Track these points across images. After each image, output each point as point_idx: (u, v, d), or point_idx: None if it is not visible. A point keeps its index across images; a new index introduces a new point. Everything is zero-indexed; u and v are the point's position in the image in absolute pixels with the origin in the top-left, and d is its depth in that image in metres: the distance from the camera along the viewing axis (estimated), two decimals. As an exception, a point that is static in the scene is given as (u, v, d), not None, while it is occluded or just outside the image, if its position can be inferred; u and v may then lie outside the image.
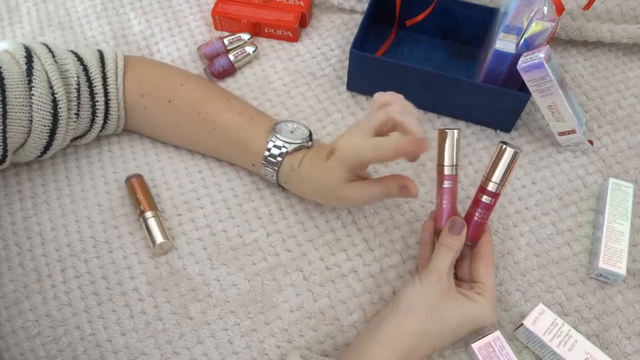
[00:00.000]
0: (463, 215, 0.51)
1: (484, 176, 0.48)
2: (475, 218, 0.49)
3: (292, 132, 0.56)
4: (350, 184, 0.50)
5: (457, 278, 0.51)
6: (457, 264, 0.51)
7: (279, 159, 0.54)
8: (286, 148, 0.54)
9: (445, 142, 0.48)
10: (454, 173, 0.49)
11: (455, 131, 0.48)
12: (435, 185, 0.51)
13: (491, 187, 0.48)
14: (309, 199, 0.57)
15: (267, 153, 0.55)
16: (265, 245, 0.56)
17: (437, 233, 0.51)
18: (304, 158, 0.54)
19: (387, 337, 0.46)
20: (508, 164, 0.47)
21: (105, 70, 0.57)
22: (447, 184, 0.49)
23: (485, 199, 0.48)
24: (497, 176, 0.47)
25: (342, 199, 0.52)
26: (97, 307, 0.53)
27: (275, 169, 0.55)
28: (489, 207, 0.49)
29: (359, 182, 0.51)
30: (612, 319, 0.52)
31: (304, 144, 0.55)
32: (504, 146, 0.47)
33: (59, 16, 0.76)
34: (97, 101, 0.57)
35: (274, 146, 0.55)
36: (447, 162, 0.48)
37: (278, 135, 0.55)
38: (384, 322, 0.47)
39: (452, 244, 0.48)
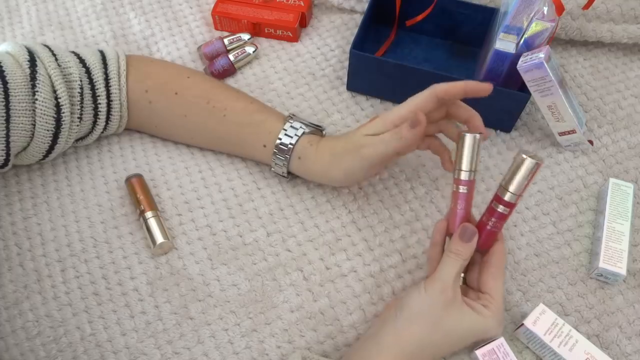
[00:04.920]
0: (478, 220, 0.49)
1: (501, 185, 0.46)
2: (488, 227, 0.47)
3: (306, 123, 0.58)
4: (366, 136, 0.52)
5: (466, 283, 0.51)
6: (467, 269, 0.50)
7: (296, 137, 0.55)
8: (304, 129, 0.56)
9: (464, 146, 0.46)
10: (471, 178, 0.47)
11: (477, 135, 0.46)
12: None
13: (508, 197, 0.45)
14: (320, 174, 0.56)
15: (284, 131, 0.56)
16: (265, 245, 0.56)
17: (449, 235, 0.49)
18: (324, 138, 0.56)
19: (389, 344, 0.45)
20: (526, 175, 0.44)
21: (108, 71, 0.57)
22: (462, 189, 0.47)
23: (500, 208, 0.46)
24: (514, 186, 0.45)
25: (360, 152, 0.51)
26: (97, 307, 0.53)
27: (291, 146, 0.55)
28: (503, 217, 0.47)
29: (375, 136, 0.51)
30: (612, 319, 0.52)
31: (320, 128, 0.58)
32: (524, 156, 0.44)
33: (59, 16, 0.76)
34: (100, 103, 0.57)
35: (291, 127, 0.56)
36: (464, 166, 0.47)
37: (296, 118, 0.57)
38: (386, 327, 0.47)
39: (461, 251, 0.46)
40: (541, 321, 0.49)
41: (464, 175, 0.47)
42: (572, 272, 0.55)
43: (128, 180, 0.59)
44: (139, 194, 0.57)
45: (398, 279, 0.55)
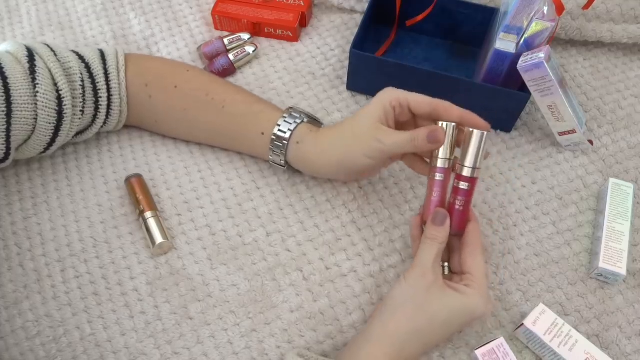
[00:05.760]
0: None
1: (458, 163, 0.48)
2: (457, 207, 0.49)
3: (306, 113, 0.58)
4: (381, 125, 0.50)
5: (452, 272, 0.51)
6: (450, 257, 0.51)
7: (295, 124, 0.55)
8: (303, 118, 0.56)
9: None
10: (447, 166, 0.49)
11: (452, 125, 0.48)
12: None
13: (465, 172, 0.48)
14: (320, 160, 0.55)
15: (283, 118, 0.56)
16: (265, 245, 0.56)
17: (425, 224, 0.50)
18: (324, 127, 0.57)
19: (377, 337, 0.46)
20: (477, 147, 0.47)
21: (107, 67, 0.58)
22: (438, 176, 0.49)
23: (462, 185, 0.48)
24: (469, 160, 0.47)
25: (369, 142, 0.50)
26: (97, 307, 0.53)
27: (289, 132, 0.55)
28: (467, 194, 0.48)
29: (390, 129, 0.51)
30: (612, 319, 0.52)
31: (318, 121, 0.59)
32: (471, 129, 0.47)
33: (59, 16, 0.76)
34: (100, 97, 0.57)
35: (291, 115, 0.56)
36: (441, 154, 0.48)
37: (295, 109, 0.58)
38: (374, 322, 0.47)
39: (435, 235, 0.47)
40: (541, 321, 0.49)
41: (440, 163, 0.49)
42: (572, 272, 0.55)
43: (128, 180, 0.59)
44: (139, 194, 0.57)
45: (398, 279, 0.55)
